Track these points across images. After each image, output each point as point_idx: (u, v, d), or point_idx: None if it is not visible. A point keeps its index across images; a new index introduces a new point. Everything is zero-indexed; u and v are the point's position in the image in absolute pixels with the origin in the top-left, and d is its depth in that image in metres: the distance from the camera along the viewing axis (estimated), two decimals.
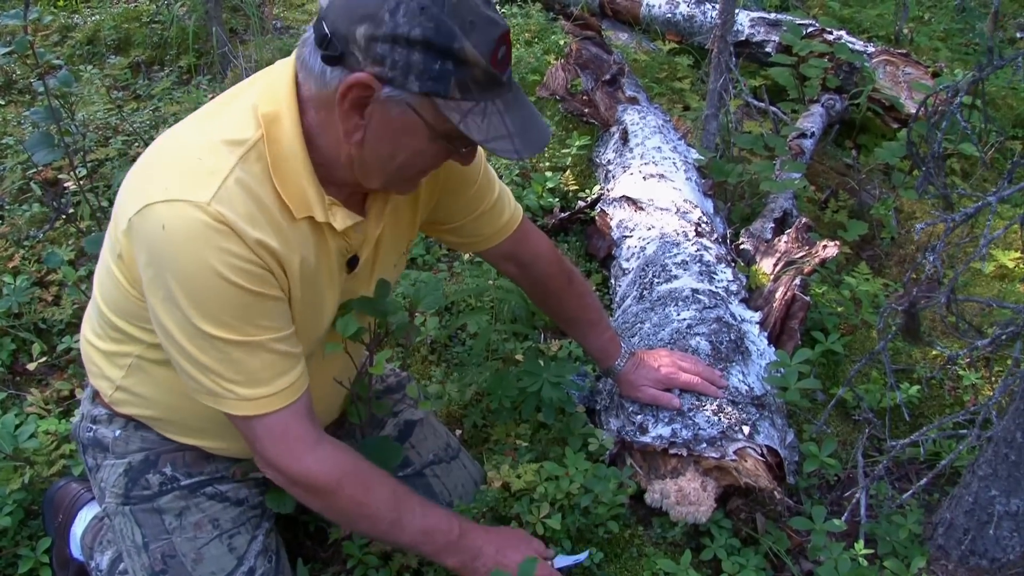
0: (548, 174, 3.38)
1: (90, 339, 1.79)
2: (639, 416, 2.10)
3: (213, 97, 3.67)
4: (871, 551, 2.02)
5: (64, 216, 3.24)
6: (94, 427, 1.84)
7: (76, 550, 2.10)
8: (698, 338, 2.25)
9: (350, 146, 1.48)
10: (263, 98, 1.49)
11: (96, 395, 1.84)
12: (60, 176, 3.40)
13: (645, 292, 2.49)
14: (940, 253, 1.40)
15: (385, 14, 1.34)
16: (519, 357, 2.34)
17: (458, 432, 2.31)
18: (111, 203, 3.29)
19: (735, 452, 1.99)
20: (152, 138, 3.58)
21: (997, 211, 1.35)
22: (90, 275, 2.98)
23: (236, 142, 1.45)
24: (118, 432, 1.81)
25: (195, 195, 1.40)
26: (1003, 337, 1.51)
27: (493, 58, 1.39)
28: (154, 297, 1.48)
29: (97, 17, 4.69)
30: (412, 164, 1.52)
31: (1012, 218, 3.20)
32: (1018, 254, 2.98)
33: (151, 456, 1.80)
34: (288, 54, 3.99)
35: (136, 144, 3.59)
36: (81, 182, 3.22)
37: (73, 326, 2.84)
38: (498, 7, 4.60)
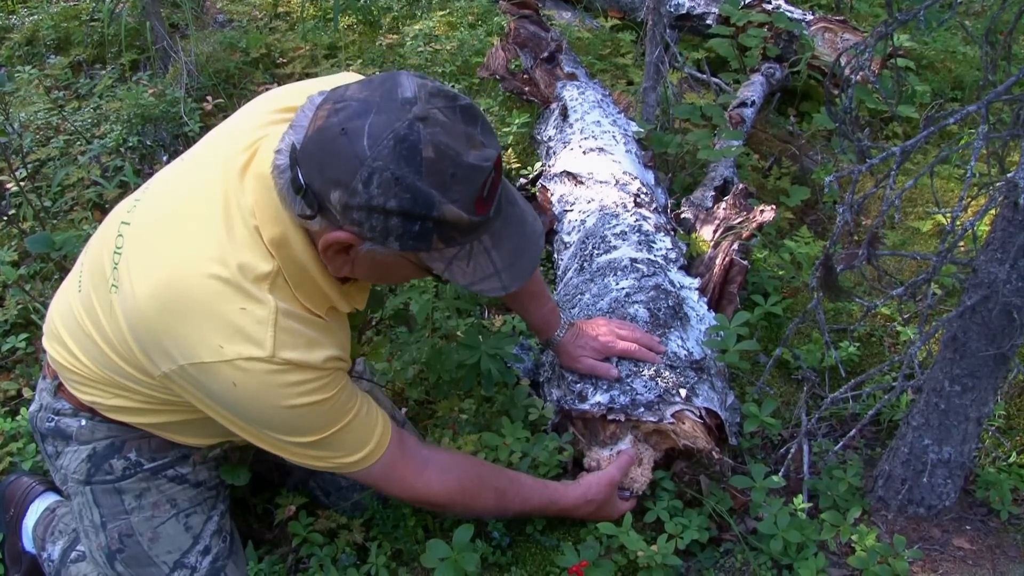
0: None
1: (68, 357, 1.75)
2: (578, 385, 2.13)
3: (153, 93, 3.67)
4: (810, 505, 2.06)
5: (5, 217, 3.22)
6: (56, 418, 1.84)
7: (29, 543, 2.11)
8: (636, 306, 2.27)
9: (342, 274, 1.52)
10: (262, 222, 1.48)
11: (60, 389, 1.83)
12: (0, 177, 3.37)
13: (585, 264, 2.51)
14: (851, 204, 1.43)
15: (358, 184, 1.31)
16: (461, 334, 2.36)
17: (403, 410, 2.33)
18: (54, 203, 3.28)
19: (673, 415, 2.02)
20: (95, 136, 3.58)
21: (902, 164, 1.37)
22: (33, 275, 2.97)
23: (260, 278, 1.46)
24: (83, 422, 1.81)
25: (256, 351, 1.43)
26: (918, 284, 1.55)
27: (478, 205, 1.37)
28: (233, 427, 1.57)
29: (35, 17, 4.63)
30: (402, 282, 1.63)
31: (952, 175, 3.27)
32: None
33: (116, 442, 1.81)
34: (230, 48, 3.92)
35: (78, 143, 3.56)
36: (23, 183, 3.19)
37: (18, 326, 2.82)
38: None
